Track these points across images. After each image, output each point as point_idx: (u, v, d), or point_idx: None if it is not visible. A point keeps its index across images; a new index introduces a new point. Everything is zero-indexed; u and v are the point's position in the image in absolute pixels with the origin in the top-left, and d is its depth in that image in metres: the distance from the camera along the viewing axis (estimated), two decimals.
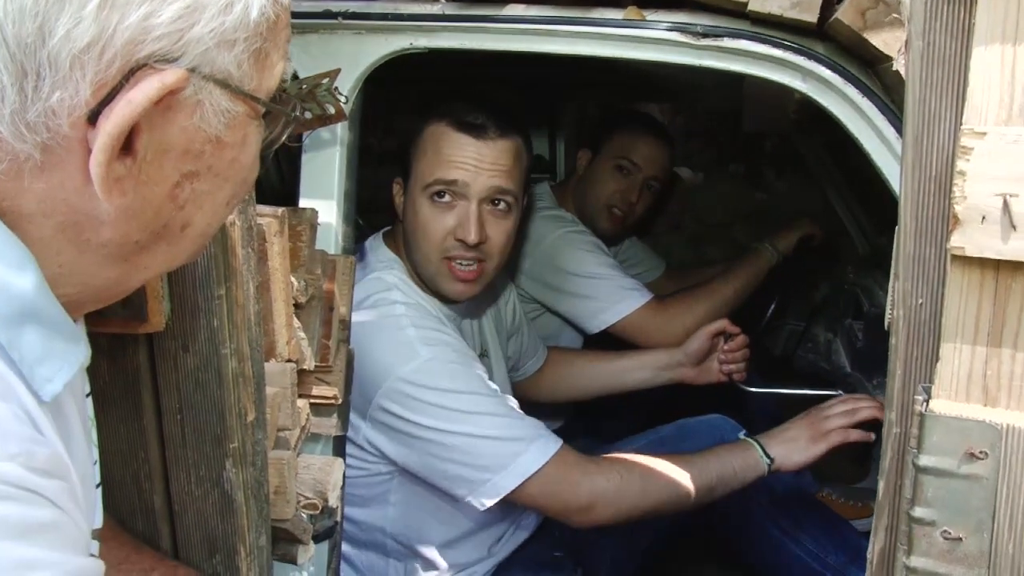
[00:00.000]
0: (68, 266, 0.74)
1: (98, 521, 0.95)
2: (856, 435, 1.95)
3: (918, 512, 0.93)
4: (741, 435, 2.07)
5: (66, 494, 0.69)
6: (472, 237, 1.89)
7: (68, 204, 0.70)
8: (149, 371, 1.19)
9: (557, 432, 2.67)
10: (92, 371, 1.19)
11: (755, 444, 1.99)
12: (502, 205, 1.95)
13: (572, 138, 3.61)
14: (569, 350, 2.77)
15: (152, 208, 0.74)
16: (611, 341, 2.75)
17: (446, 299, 2.02)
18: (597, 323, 2.67)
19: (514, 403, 1.94)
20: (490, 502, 1.81)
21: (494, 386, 1.91)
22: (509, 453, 1.80)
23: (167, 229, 0.77)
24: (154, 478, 1.23)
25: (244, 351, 1.20)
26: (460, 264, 1.93)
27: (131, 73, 0.66)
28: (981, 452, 0.89)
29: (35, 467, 0.64)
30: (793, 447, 1.98)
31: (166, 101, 0.68)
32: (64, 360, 0.75)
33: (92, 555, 0.84)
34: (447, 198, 1.91)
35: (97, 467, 0.97)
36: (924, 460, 0.91)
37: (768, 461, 1.96)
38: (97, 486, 0.97)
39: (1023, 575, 0.89)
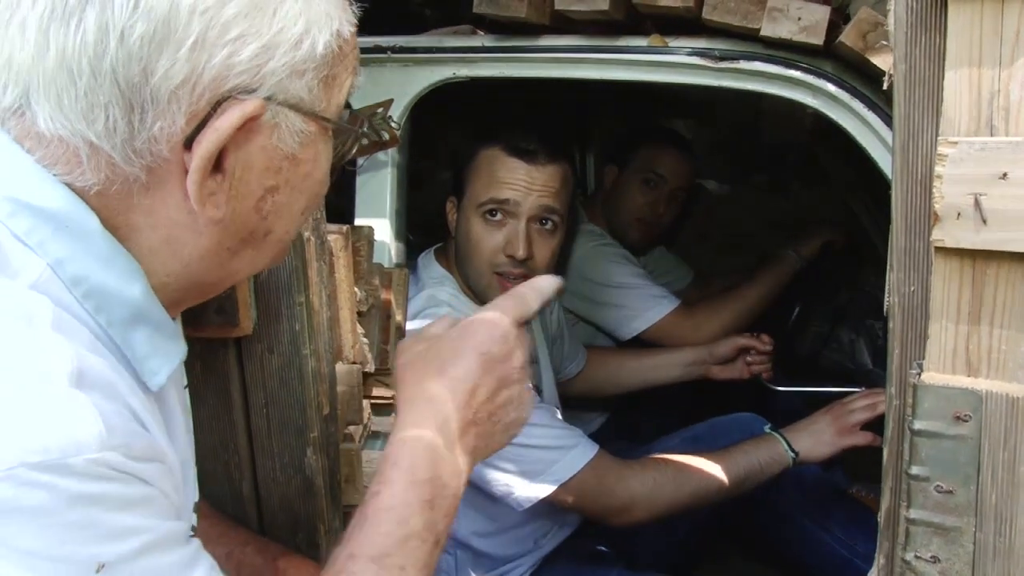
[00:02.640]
0: (174, 276, 0.86)
1: (196, 495, 1.06)
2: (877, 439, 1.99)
3: (914, 470, 1.06)
4: (766, 428, 2.16)
5: (160, 474, 0.78)
6: (520, 253, 2.02)
7: (170, 219, 0.82)
8: (238, 371, 1.33)
9: (595, 433, 2.81)
10: (188, 372, 1.35)
11: (780, 438, 2.09)
12: (549, 224, 2.09)
13: (601, 155, 3.73)
14: (604, 349, 2.88)
15: (240, 219, 0.84)
16: (642, 346, 2.87)
17: None
18: (628, 330, 2.79)
19: (556, 412, 2.05)
20: (527, 504, 1.93)
21: (539, 398, 2.03)
22: (547, 460, 1.92)
23: (252, 236, 0.87)
24: (243, 468, 1.37)
25: (321, 352, 1.34)
26: (509, 279, 2.05)
27: (218, 104, 0.77)
28: (965, 415, 1.02)
29: (134, 455, 0.73)
30: (818, 440, 2.07)
31: (248, 125, 0.78)
32: (167, 356, 0.87)
33: (191, 525, 0.96)
34: (498, 216, 2.04)
35: (192, 448, 1.08)
36: (918, 424, 1.05)
37: (793, 454, 2.05)
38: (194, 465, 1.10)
39: (1005, 520, 1.03)
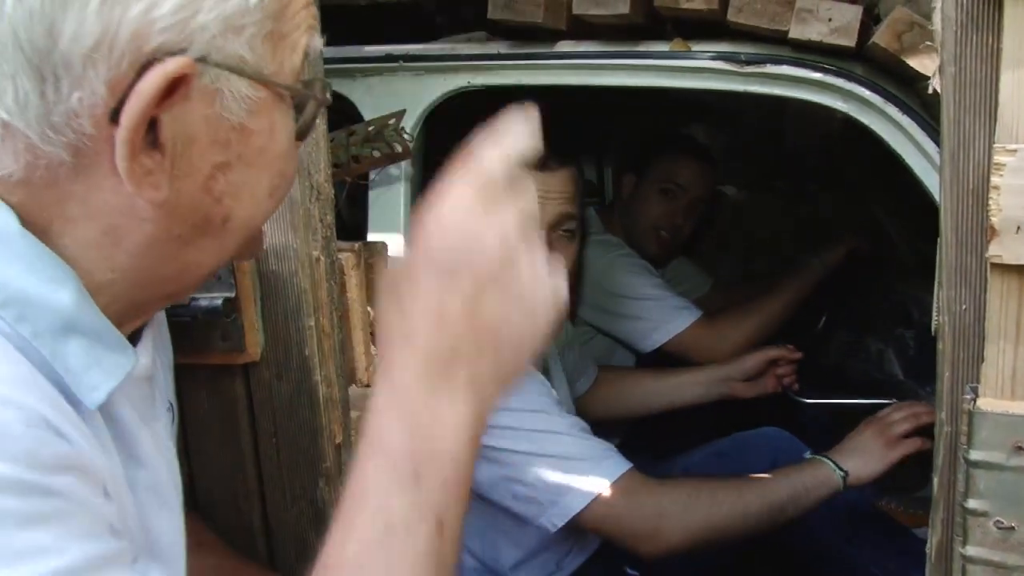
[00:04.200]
0: (120, 271, 0.75)
1: (172, 528, 0.94)
2: (927, 443, 1.90)
3: (971, 504, 0.99)
4: (807, 455, 2.03)
5: (84, 487, 0.68)
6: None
7: (109, 205, 0.72)
8: (246, 398, 1.28)
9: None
10: (193, 400, 1.30)
11: (826, 459, 1.94)
12: (567, 230, 2.03)
13: (618, 163, 3.67)
14: (620, 368, 2.82)
15: (188, 201, 0.74)
16: (663, 360, 2.81)
17: None
18: (649, 343, 2.72)
19: (582, 424, 1.95)
20: (561, 523, 1.82)
21: (562, 408, 1.95)
22: (576, 473, 1.81)
23: (208, 223, 0.77)
24: (251, 498, 1.32)
25: (332, 377, 1.29)
26: None
27: (143, 69, 0.66)
28: None
29: (39, 464, 0.64)
30: (867, 456, 1.94)
31: (182, 91, 0.68)
32: (109, 370, 0.75)
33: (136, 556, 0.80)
34: None
35: (176, 479, 0.98)
36: (975, 455, 0.98)
37: (842, 474, 1.93)
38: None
39: None
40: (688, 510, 1.85)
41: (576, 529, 2.00)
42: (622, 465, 1.85)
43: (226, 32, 0.69)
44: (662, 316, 2.70)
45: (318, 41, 0.81)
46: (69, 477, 0.67)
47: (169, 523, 0.91)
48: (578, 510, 1.81)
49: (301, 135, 0.83)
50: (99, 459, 0.73)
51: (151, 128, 0.68)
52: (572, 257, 2.06)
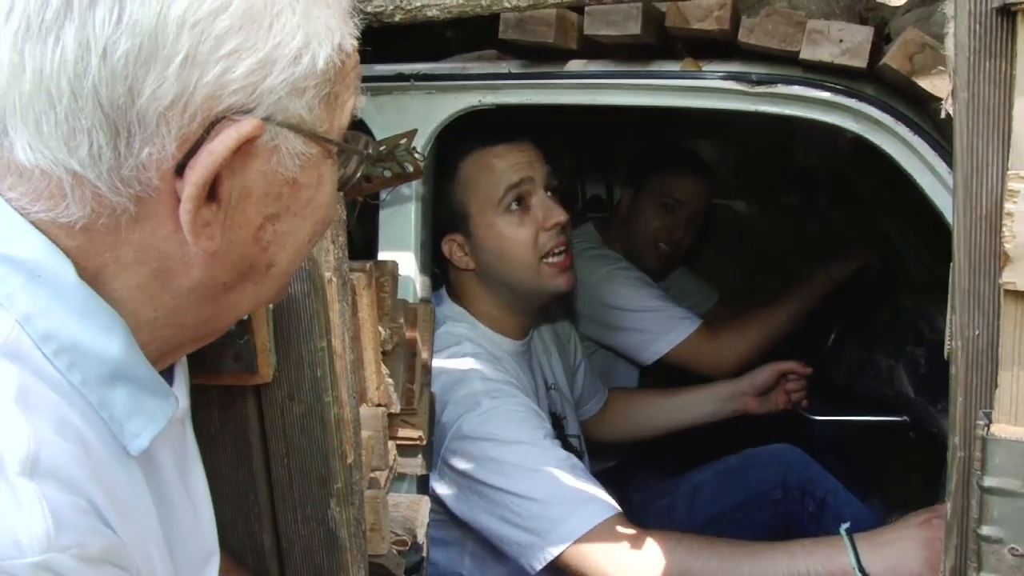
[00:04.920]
0: (163, 310, 0.79)
1: (203, 560, 0.99)
2: None
3: (986, 531, 0.99)
4: (842, 529, 1.66)
5: None
6: (561, 216, 2.02)
7: (160, 251, 0.75)
8: (257, 419, 1.28)
9: (618, 467, 2.73)
10: (205, 420, 1.30)
11: (850, 547, 1.61)
12: (556, 192, 2.08)
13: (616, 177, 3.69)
14: (629, 390, 2.81)
15: (238, 250, 0.78)
16: (667, 373, 2.80)
17: (520, 331, 2.11)
18: (650, 354, 2.71)
19: (573, 460, 1.88)
20: (539, 566, 1.77)
21: (555, 444, 1.89)
22: (555, 517, 1.75)
23: (253, 269, 0.81)
24: (263, 518, 1.32)
25: (343, 398, 1.29)
26: (555, 256, 2.04)
27: (211, 126, 0.70)
28: None
29: (87, 557, 0.66)
30: (902, 563, 1.57)
31: (244, 148, 0.72)
32: (151, 416, 0.80)
33: None
34: (517, 204, 2.02)
35: (198, 516, 1.00)
36: (988, 481, 0.98)
37: None
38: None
39: None
40: (668, 563, 1.70)
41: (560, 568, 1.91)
42: (606, 511, 1.77)
43: (291, 94, 0.74)
44: (663, 327, 2.69)
45: (362, 100, 0.85)
46: (109, 570, 0.70)
47: (195, 558, 0.95)
48: (555, 555, 1.75)
49: (343, 186, 0.89)
50: (138, 522, 0.78)
51: (213, 182, 0.72)
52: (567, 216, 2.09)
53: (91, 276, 0.74)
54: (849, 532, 1.63)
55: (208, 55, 0.69)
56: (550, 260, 2.04)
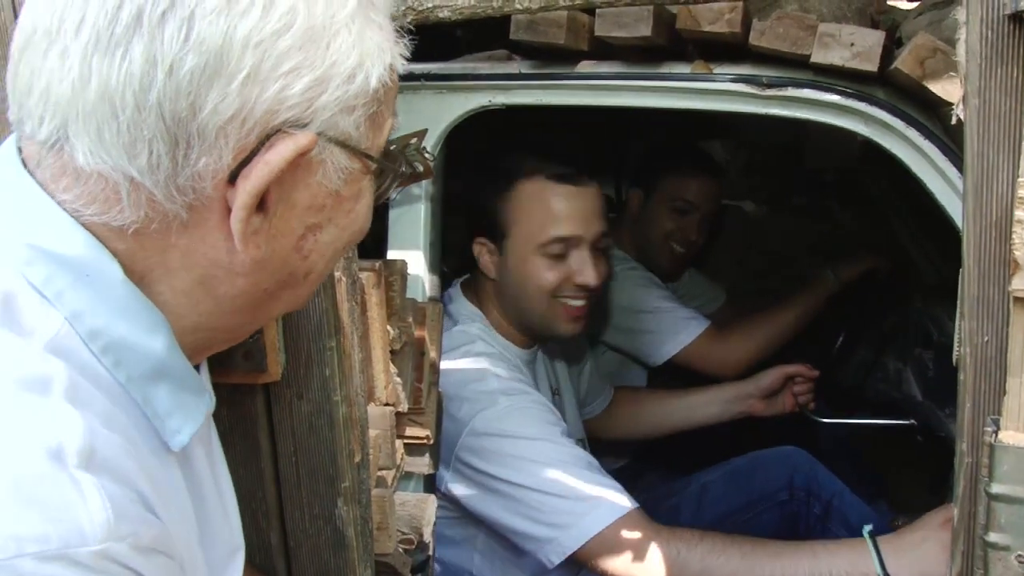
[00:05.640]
0: (205, 315, 0.81)
1: (232, 557, 1.02)
2: None
3: (992, 537, 0.99)
4: (866, 530, 1.66)
5: (167, 569, 0.73)
6: (595, 281, 2.00)
7: (208, 258, 0.78)
8: (266, 417, 1.28)
9: (624, 468, 2.73)
10: (213, 418, 1.31)
11: (873, 551, 1.60)
12: (603, 247, 2.07)
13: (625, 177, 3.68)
14: (636, 389, 2.81)
15: (280, 259, 0.80)
16: (676, 374, 2.80)
17: (527, 343, 2.11)
18: (659, 356, 2.71)
19: (588, 458, 1.91)
20: (557, 560, 1.79)
21: (571, 441, 1.91)
22: (574, 512, 1.78)
23: (293, 277, 0.83)
24: (271, 517, 1.32)
25: (352, 397, 1.29)
26: (573, 300, 2.02)
27: (267, 138, 0.73)
28: None
29: (140, 546, 0.68)
30: (925, 569, 1.56)
31: (296, 161, 0.74)
32: (190, 413, 0.82)
33: None
34: (560, 249, 1.99)
35: (227, 508, 1.04)
36: (996, 488, 0.98)
37: None
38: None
39: None
40: (685, 565, 1.71)
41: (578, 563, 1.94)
42: (625, 507, 1.79)
43: (342, 111, 0.76)
44: (671, 328, 2.69)
45: (398, 120, 0.88)
46: (159, 559, 0.72)
47: (222, 551, 0.98)
48: (574, 549, 1.77)
49: (379, 200, 0.90)
50: (181, 514, 0.82)
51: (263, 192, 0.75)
52: (607, 270, 2.09)
53: (137, 279, 0.77)
54: (872, 534, 1.63)
55: (269, 72, 0.71)
56: (566, 302, 2.03)
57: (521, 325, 2.10)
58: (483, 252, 2.08)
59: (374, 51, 0.78)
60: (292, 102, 0.73)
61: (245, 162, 0.73)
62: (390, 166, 0.88)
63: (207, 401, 0.87)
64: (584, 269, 2.00)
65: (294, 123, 0.74)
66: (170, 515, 0.77)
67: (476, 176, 2.05)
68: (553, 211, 1.98)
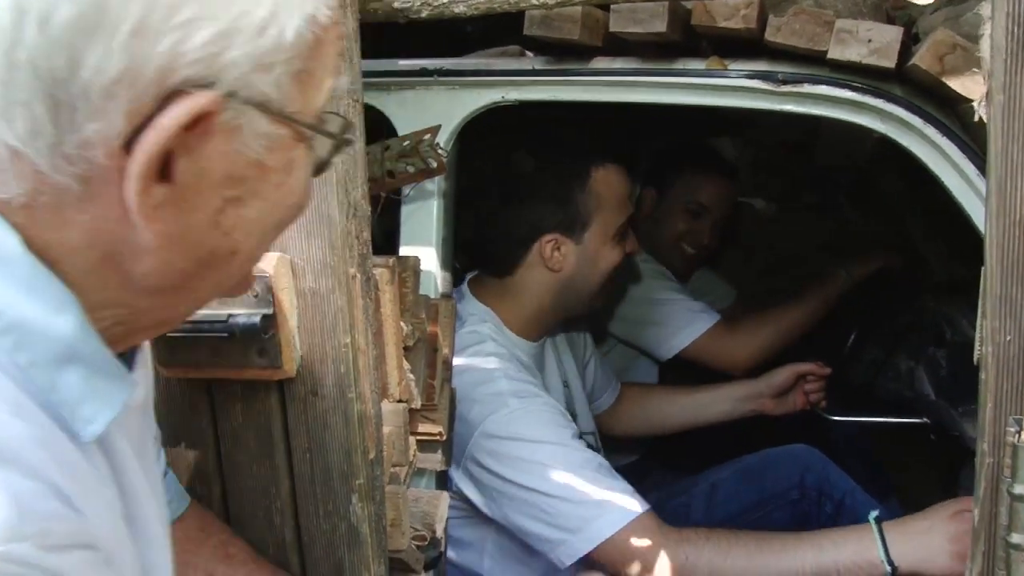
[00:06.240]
0: (114, 297, 0.73)
1: (163, 565, 0.92)
2: None
3: (1015, 539, 0.98)
4: (872, 516, 1.68)
5: (88, 564, 0.68)
6: (635, 245, 2.21)
7: (111, 234, 0.69)
8: (280, 414, 1.28)
9: (634, 465, 2.72)
10: (228, 414, 1.31)
11: (878, 537, 1.62)
12: (630, 226, 2.20)
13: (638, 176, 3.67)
14: (645, 385, 2.79)
15: (195, 235, 0.71)
16: (686, 371, 2.79)
17: (537, 335, 2.13)
18: (669, 348, 2.69)
19: (601, 460, 1.91)
20: (568, 562, 1.80)
21: (582, 444, 1.92)
22: (586, 515, 1.78)
23: (214, 256, 0.74)
24: (285, 513, 1.33)
25: (366, 394, 1.29)
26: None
27: (165, 100, 0.64)
28: None
29: (50, 544, 0.63)
30: (928, 557, 1.58)
31: (202, 126, 0.65)
32: (106, 399, 0.73)
33: None
34: (625, 230, 2.14)
35: (163, 514, 0.96)
36: (1019, 489, 0.97)
37: (889, 570, 1.60)
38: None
39: None
40: (697, 561, 1.74)
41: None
42: (636, 509, 1.79)
43: (256, 69, 0.67)
44: (680, 320, 2.67)
45: (343, 80, 0.80)
46: (78, 554, 0.66)
47: (160, 558, 0.90)
48: (586, 551, 1.78)
49: (317, 172, 0.81)
50: (106, 506, 0.74)
51: (164, 160, 0.66)
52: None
53: (37, 256, 0.69)
54: (878, 520, 1.64)
55: (160, 24, 0.62)
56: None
57: (553, 312, 2.15)
58: (554, 246, 2.07)
59: (291, 0, 0.68)
60: (191, 58, 0.63)
61: (142, 127, 0.64)
62: (325, 132, 0.77)
63: (127, 387, 0.76)
64: (632, 242, 2.18)
65: (196, 82, 0.64)
66: (96, 504, 0.71)
67: (541, 175, 2.07)
68: (622, 195, 2.13)
